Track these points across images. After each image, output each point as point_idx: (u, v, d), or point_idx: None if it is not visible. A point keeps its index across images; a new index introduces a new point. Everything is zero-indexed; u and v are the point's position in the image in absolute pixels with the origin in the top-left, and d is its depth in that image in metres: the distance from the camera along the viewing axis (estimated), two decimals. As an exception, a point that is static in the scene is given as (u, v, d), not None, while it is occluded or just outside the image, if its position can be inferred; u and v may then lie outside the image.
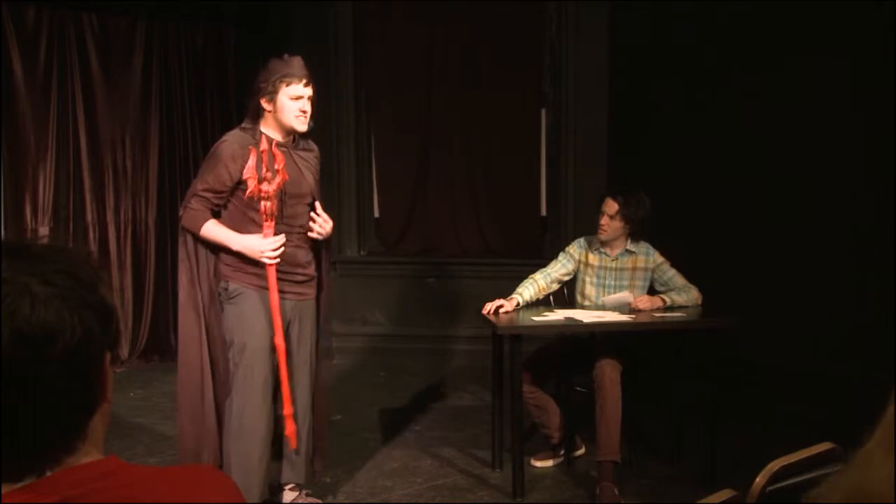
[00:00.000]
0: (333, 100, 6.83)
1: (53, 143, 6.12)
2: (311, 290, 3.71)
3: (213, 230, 3.49)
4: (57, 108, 6.13)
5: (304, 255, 3.64)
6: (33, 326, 0.91)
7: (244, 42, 6.89)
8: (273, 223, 3.44)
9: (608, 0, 6.48)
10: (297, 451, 3.66)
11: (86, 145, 6.28)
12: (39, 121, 6.04)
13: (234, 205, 3.52)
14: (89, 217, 6.35)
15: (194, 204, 3.50)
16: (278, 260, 3.46)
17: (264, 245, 3.43)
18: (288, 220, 3.53)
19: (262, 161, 3.40)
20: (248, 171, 3.39)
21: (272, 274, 3.45)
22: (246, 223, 3.50)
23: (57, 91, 6.11)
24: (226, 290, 3.52)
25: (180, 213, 3.57)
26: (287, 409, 3.53)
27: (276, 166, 3.42)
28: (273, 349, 3.51)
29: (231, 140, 3.52)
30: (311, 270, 3.69)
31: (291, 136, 3.57)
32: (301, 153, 3.63)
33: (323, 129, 6.74)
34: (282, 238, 3.46)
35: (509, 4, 6.75)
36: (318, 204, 3.66)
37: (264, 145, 3.42)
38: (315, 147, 3.74)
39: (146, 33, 6.51)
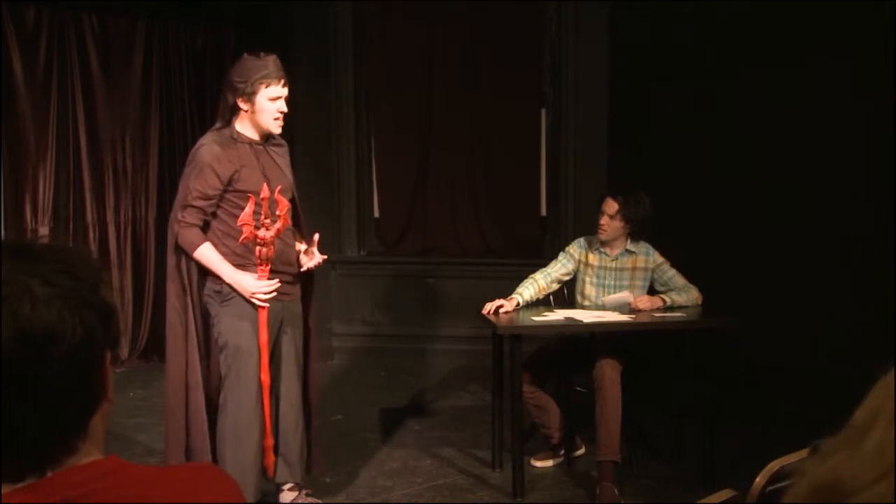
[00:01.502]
0: (333, 100, 6.83)
1: (53, 143, 6.11)
2: (297, 291, 3.71)
3: (208, 255, 3.45)
4: (57, 108, 6.12)
5: (292, 254, 3.63)
6: (35, 327, 0.91)
7: (244, 42, 6.86)
8: (268, 268, 3.41)
9: (608, 0, 6.48)
10: (292, 451, 3.67)
11: (86, 145, 6.27)
12: (39, 121, 6.04)
13: (221, 214, 3.48)
14: (89, 217, 6.34)
15: (189, 217, 3.45)
16: (267, 305, 3.44)
17: (258, 287, 3.40)
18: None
19: (261, 209, 3.33)
20: (245, 218, 3.30)
21: (263, 317, 3.44)
22: (233, 234, 3.46)
23: (57, 91, 6.11)
24: (218, 292, 3.50)
25: (175, 227, 3.50)
26: (268, 441, 3.54)
27: (277, 212, 3.37)
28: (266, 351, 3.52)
29: (209, 143, 3.49)
30: (297, 269, 3.68)
31: (265, 136, 3.55)
32: (274, 149, 3.61)
33: (323, 129, 6.79)
34: (276, 283, 3.44)
35: (509, 4, 6.75)
36: (316, 237, 3.62)
37: (265, 193, 3.34)
38: (284, 141, 3.70)
39: (146, 33, 6.50)
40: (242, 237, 3.34)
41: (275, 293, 3.46)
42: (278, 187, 3.42)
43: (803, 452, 1.89)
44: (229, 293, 3.48)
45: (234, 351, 3.48)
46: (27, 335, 0.90)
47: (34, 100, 6.00)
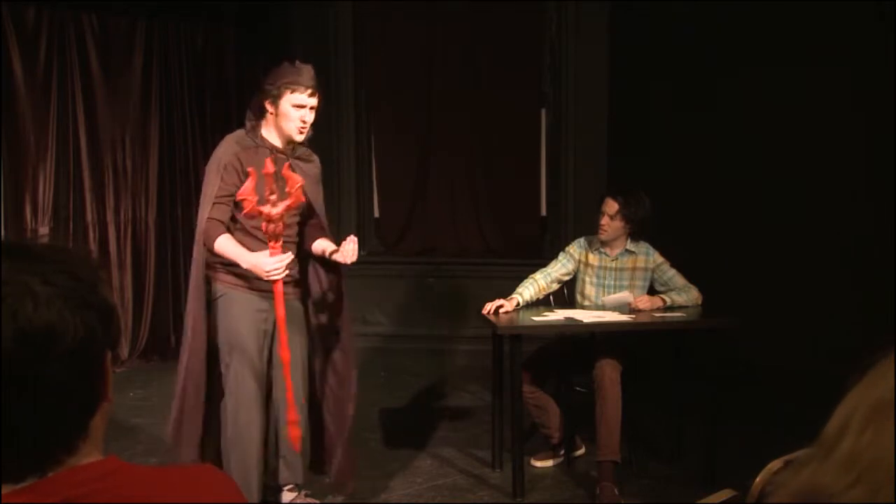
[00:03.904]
0: (333, 100, 6.83)
1: (53, 143, 6.12)
2: (294, 291, 3.68)
3: (226, 246, 3.42)
4: (57, 108, 6.12)
5: (293, 262, 3.61)
6: (35, 326, 0.91)
7: (244, 42, 6.89)
8: (279, 244, 3.34)
9: (608, 0, 6.48)
10: (293, 451, 3.65)
11: (86, 145, 6.28)
12: (39, 121, 6.04)
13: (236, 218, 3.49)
14: (89, 217, 6.35)
15: (214, 213, 3.43)
16: (283, 276, 3.35)
17: (268, 263, 3.33)
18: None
19: (265, 184, 3.27)
20: (244, 192, 3.27)
21: (279, 290, 3.37)
22: (246, 236, 3.46)
23: (57, 91, 6.11)
24: (213, 291, 3.52)
25: (202, 225, 3.46)
26: (291, 416, 3.48)
27: (287, 189, 3.33)
28: (262, 350, 3.52)
29: (229, 142, 3.51)
30: (296, 272, 3.65)
31: (291, 145, 3.54)
32: (301, 162, 3.59)
33: (323, 129, 6.77)
34: (289, 256, 3.37)
35: (509, 4, 6.75)
36: (354, 238, 3.55)
37: (270, 168, 3.26)
38: (315, 157, 3.69)
39: (146, 33, 6.51)
40: (244, 211, 3.30)
41: (288, 267, 3.38)
42: (286, 164, 3.41)
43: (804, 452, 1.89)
44: (218, 292, 3.49)
45: (228, 349, 3.49)
46: (27, 335, 0.90)
47: (34, 100, 6.00)
